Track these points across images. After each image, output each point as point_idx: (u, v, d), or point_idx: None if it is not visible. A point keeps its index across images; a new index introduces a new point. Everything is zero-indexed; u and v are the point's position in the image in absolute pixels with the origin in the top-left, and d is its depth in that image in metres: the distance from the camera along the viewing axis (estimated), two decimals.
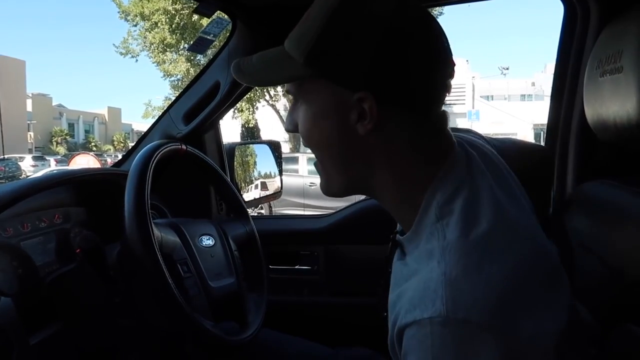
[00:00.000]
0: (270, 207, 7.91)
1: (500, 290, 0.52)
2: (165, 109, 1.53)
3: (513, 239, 0.57)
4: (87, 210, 1.27)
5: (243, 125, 15.30)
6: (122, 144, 32.45)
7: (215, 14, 1.24)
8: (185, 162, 1.18)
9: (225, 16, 1.28)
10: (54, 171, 1.20)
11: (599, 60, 0.89)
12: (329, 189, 0.67)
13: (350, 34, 0.58)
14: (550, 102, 1.28)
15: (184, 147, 1.12)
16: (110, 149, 30.77)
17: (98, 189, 1.30)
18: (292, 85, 0.64)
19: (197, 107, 1.39)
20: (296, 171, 9.68)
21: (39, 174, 13.22)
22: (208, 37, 1.27)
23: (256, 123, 15.59)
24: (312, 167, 10.52)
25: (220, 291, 1.05)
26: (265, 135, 15.77)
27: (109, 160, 21.06)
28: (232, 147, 1.64)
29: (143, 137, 1.52)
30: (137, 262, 0.90)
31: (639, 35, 0.76)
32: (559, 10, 1.21)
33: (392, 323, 0.58)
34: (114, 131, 35.15)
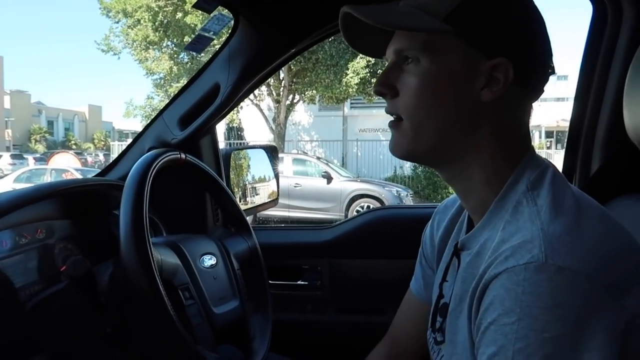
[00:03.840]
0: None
1: (602, 247, 0.53)
2: (156, 110, 1.41)
3: (604, 212, 0.60)
4: (73, 223, 1.16)
5: (227, 124, 15.12)
6: (102, 142, 31.92)
7: (216, 10, 1.14)
8: (182, 171, 1.08)
9: (227, 12, 1.18)
10: (39, 184, 1.07)
11: None
12: (413, 149, 0.65)
13: (493, 3, 0.61)
14: (574, 107, 1.21)
15: (183, 156, 1.01)
16: (90, 147, 30.23)
17: (84, 200, 1.19)
18: (413, 41, 0.62)
19: (194, 111, 1.28)
20: (281, 172, 9.61)
21: (17, 172, 12.90)
22: (208, 35, 1.17)
23: (240, 122, 15.43)
24: (298, 168, 10.44)
25: (224, 317, 0.95)
26: (249, 135, 15.61)
27: (89, 158, 20.69)
28: (228, 153, 1.54)
29: (133, 143, 1.41)
30: (133, 290, 0.80)
31: None
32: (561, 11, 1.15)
33: (473, 284, 0.58)
34: (95, 129, 34.53)
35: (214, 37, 1.18)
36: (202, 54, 11.93)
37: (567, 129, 1.29)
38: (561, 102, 16.33)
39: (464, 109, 0.62)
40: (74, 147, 28.84)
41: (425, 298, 0.86)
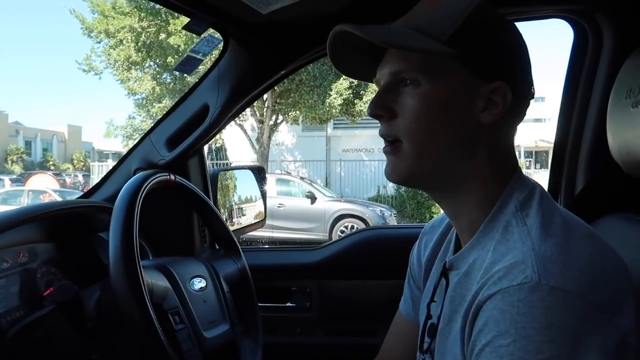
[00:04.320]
0: None
1: (592, 267, 0.54)
2: (138, 130, 1.40)
3: (591, 232, 0.60)
4: (56, 246, 1.13)
5: (210, 145, 15.05)
6: (82, 163, 31.40)
7: (206, 32, 1.14)
8: (171, 193, 1.07)
9: (217, 34, 1.19)
10: (22, 206, 1.05)
11: (629, 89, 0.84)
12: (413, 173, 0.65)
13: (490, 28, 0.63)
14: (557, 128, 1.24)
15: (172, 177, 1.00)
16: (69, 168, 29.70)
17: (68, 222, 1.16)
18: (411, 63, 0.63)
19: (183, 131, 1.27)
20: None
21: None
22: (197, 57, 1.17)
23: (223, 143, 15.38)
24: (281, 188, 10.39)
25: (214, 342, 0.93)
26: (232, 155, 15.56)
27: (68, 179, 20.30)
28: (216, 174, 1.53)
29: (119, 164, 1.39)
30: (122, 314, 0.77)
31: None
32: (539, 31, 1.19)
33: (465, 305, 0.58)
34: (74, 150, 33.99)
35: (203, 58, 1.18)
36: (187, 75, 11.94)
37: (545, 149, 1.32)
38: (539, 123, 16.70)
39: (465, 132, 0.63)
40: (52, 167, 28.30)
41: (414, 319, 0.86)
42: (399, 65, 0.64)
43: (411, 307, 0.87)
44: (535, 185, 0.64)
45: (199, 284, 0.98)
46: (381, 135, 0.67)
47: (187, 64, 1.19)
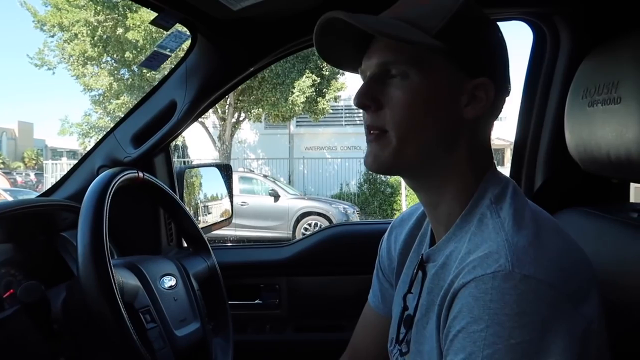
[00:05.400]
0: None
1: (561, 258, 0.57)
2: (94, 128, 1.36)
3: (557, 225, 0.64)
4: (15, 247, 1.09)
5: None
6: (33, 161, 30.05)
7: (173, 27, 1.13)
8: (139, 190, 1.04)
9: (184, 29, 1.17)
10: None
11: (585, 89, 0.88)
12: (394, 161, 0.65)
13: (475, 24, 0.65)
14: (517, 126, 1.29)
15: (140, 174, 0.98)
16: (20, 166, 28.38)
17: (28, 222, 1.12)
18: (400, 55, 0.63)
19: (149, 128, 1.25)
20: None
21: None
22: (164, 52, 1.15)
23: (184, 140, 15.08)
24: (244, 186, 10.27)
25: (185, 340, 0.92)
26: (193, 153, 15.29)
27: (19, 178, 19.40)
28: (182, 171, 1.51)
29: (82, 161, 1.35)
30: (93, 314, 0.76)
31: (636, 65, 0.75)
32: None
33: (441, 294, 0.60)
34: (25, 147, 32.46)
35: (170, 54, 1.16)
36: (146, 71, 11.58)
37: (502, 147, 1.37)
38: (497, 121, 17.19)
39: (449, 125, 0.64)
40: (1, 166, 26.98)
41: (383, 311, 0.88)
42: (388, 56, 0.64)
43: (380, 299, 0.89)
44: (508, 181, 0.67)
45: (169, 282, 0.96)
46: (366, 125, 0.67)
47: (154, 60, 1.17)
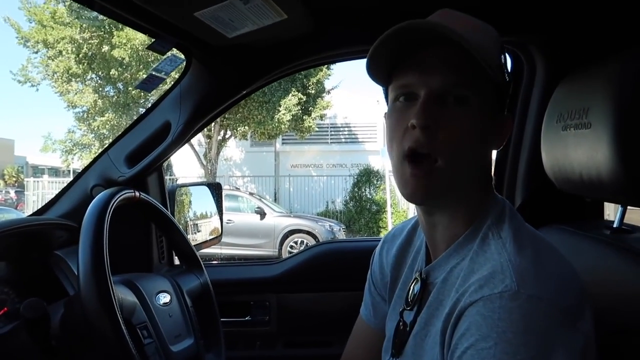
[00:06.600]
0: None
1: (557, 275, 0.60)
2: (78, 145, 1.38)
3: (550, 244, 0.66)
4: (8, 266, 1.10)
5: None
6: (14, 179, 29.53)
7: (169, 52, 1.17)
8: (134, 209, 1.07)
9: (179, 53, 1.21)
10: None
11: (559, 114, 0.94)
12: (443, 193, 0.66)
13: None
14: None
15: (137, 194, 1.01)
16: (0, 184, 27.88)
17: (21, 241, 1.13)
18: (463, 78, 0.63)
19: (143, 148, 1.28)
20: None
21: None
22: (159, 75, 1.19)
23: (169, 158, 14.99)
24: (230, 204, 10.12)
25: (180, 355, 0.95)
26: (178, 171, 15.22)
27: None
28: (173, 190, 1.53)
29: (75, 180, 1.37)
30: (92, 330, 0.78)
31: (605, 94, 0.81)
32: None
33: (446, 310, 0.62)
34: (5, 164, 31.91)
35: (165, 77, 1.20)
36: (132, 89, 11.50)
37: None
38: None
39: (488, 155, 0.70)
40: None
41: (375, 324, 0.89)
42: (451, 77, 0.63)
43: (372, 313, 0.91)
44: (505, 202, 0.70)
45: (164, 298, 0.99)
46: (412, 146, 0.63)
47: (149, 82, 1.21)
